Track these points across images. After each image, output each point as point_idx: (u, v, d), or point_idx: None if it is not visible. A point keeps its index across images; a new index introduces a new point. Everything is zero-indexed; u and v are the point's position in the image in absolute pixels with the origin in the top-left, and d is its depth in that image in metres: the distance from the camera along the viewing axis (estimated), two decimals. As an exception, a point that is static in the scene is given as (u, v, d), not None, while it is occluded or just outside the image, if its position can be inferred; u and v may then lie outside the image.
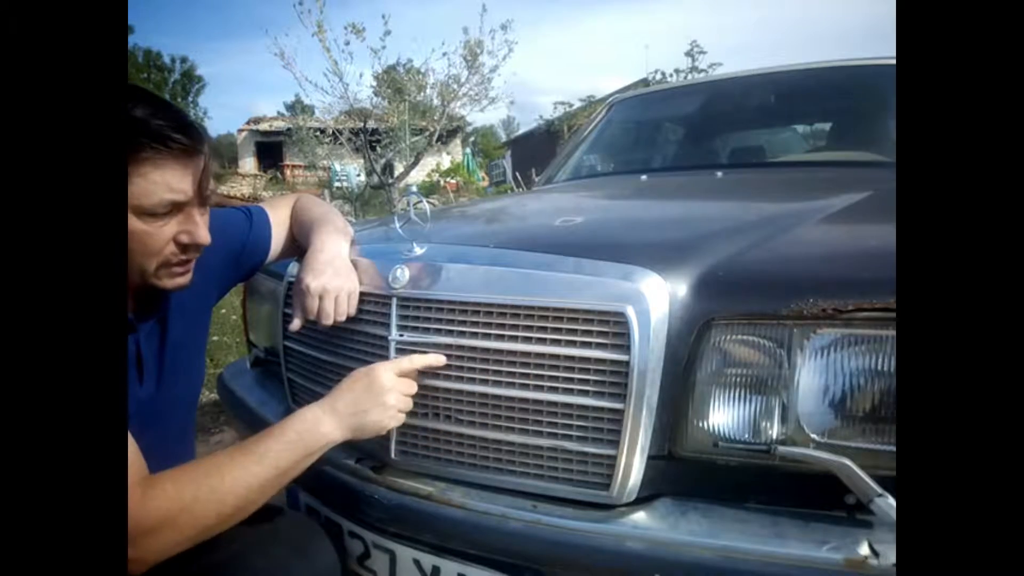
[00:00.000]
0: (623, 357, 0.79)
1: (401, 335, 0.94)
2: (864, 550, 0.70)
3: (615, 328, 0.80)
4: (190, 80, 29.74)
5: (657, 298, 0.80)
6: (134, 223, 0.75)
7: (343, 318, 0.98)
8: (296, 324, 1.01)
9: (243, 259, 1.06)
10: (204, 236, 0.81)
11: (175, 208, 0.78)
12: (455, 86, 8.96)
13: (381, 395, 0.87)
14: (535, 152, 15.89)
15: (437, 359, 0.90)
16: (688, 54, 15.93)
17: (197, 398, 1.06)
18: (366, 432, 0.87)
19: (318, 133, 10.14)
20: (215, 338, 3.40)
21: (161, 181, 0.75)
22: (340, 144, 9.67)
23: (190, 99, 29.74)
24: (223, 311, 3.93)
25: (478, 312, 0.89)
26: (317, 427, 0.84)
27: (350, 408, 0.86)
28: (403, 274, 0.95)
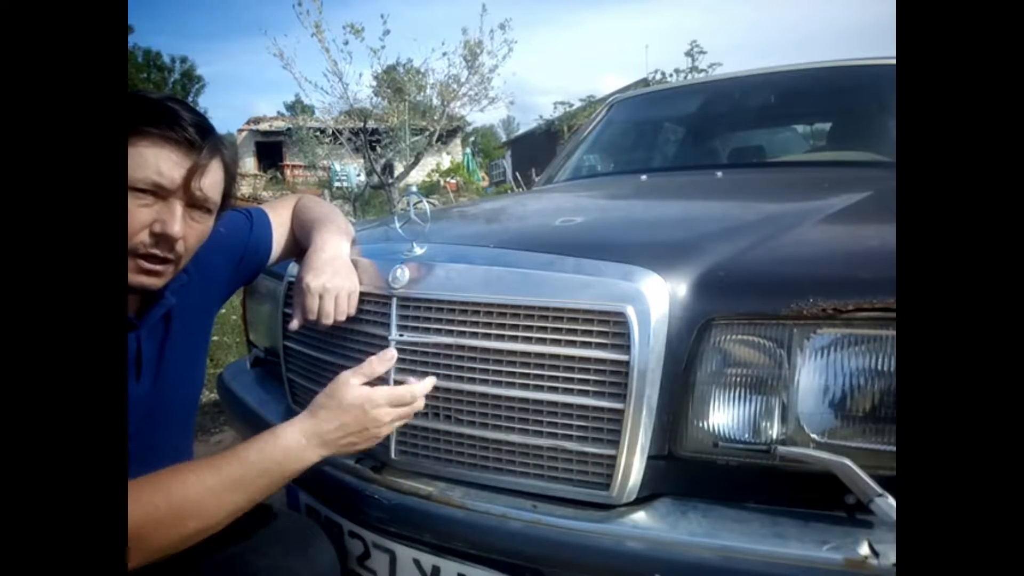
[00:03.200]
0: (623, 357, 0.79)
1: (401, 335, 0.94)
2: (864, 550, 0.70)
3: (615, 328, 0.80)
4: (190, 80, 29.74)
5: (657, 298, 0.80)
6: None
7: (343, 318, 0.98)
8: (296, 323, 1.01)
9: (245, 262, 1.05)
10: (176, 229, 0.78)
11: (157, 192, 0.77)
12: (455, 86, 8.96)
13: (375, 431, 0.86)
14: (535, 152, 15.89)
15: (426, 387, 0.89)
16: (688, 54, 15.94)
17: (197, 400, 1.06)
18: (347, 455, 0.87)
19: (318, 133, 10.14)
20: (215, 338, 3.40)
21: (152, 160, 0.75)
22: (340, 144, 9.67)
23: (190, 99, 29.76)
24: (223, 311, 3.91)
25: (478, 312, 0.88)
26: (301, 455, 0.81)
27: (337, 436, 0.83)
28: (403, 274, 0.95)
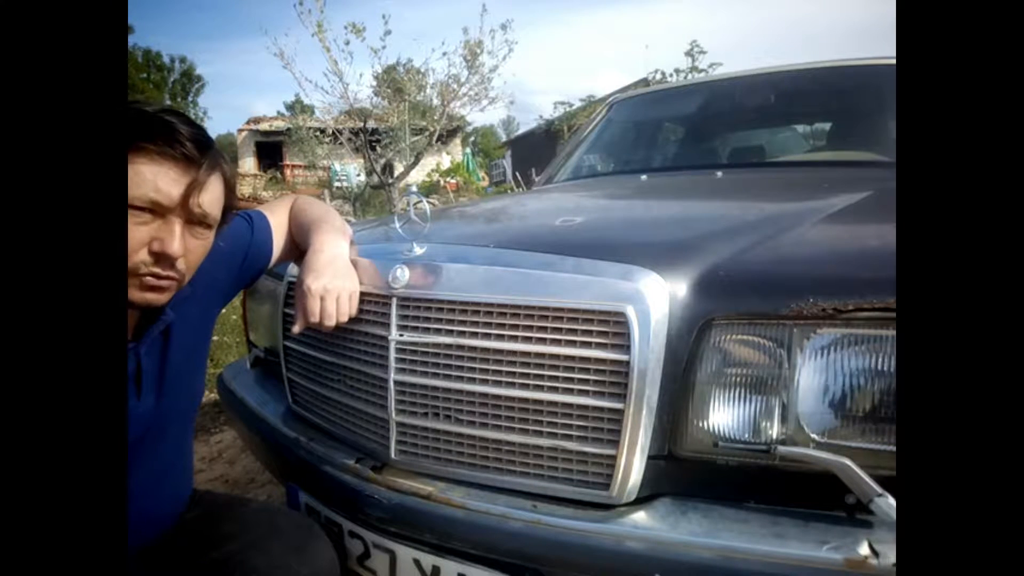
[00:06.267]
0: (623, 357, 0.79)
1: (401, 335, 0.94)
2: (864, 550, 0.70)
3: (615, 328, 0.80)
4: (189, 80, 29.75)
5: (657, 298, 0.80)
6: None
7: (345, 319, 0.98)
8: (298, 327, 0.99)
9: (246, 266, 1.04)
10: (175, 248, 0.76)
11: (155, 210, 0.75)
12: (455, 86, 8.97)
13: None
14: (535, 152, 15.90)
15: None
16: (688, 54, 15.95)
17: (197, 407, 1.05)
18: None
19: (318, 133, 10.15)
20: (215, 338, 3.40)
21: (151, 177, 0.73)
22: (340, 144, 9.68)
23: (190, 99, 29.78)
24: (223, 311, 3.92)
25: (478, 312, 0.88)
26: None
27: None
28: (403, 274, 0.95)
